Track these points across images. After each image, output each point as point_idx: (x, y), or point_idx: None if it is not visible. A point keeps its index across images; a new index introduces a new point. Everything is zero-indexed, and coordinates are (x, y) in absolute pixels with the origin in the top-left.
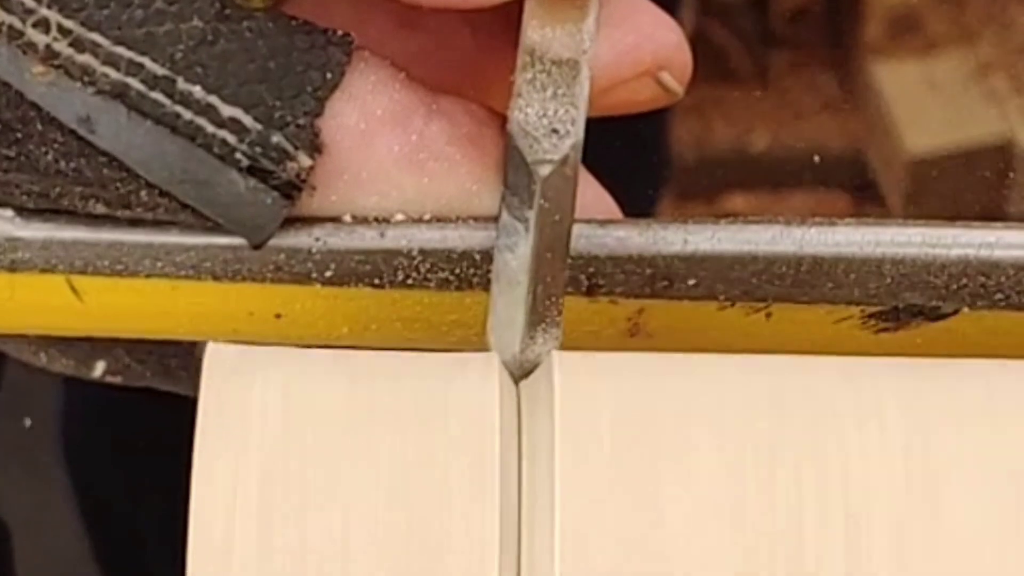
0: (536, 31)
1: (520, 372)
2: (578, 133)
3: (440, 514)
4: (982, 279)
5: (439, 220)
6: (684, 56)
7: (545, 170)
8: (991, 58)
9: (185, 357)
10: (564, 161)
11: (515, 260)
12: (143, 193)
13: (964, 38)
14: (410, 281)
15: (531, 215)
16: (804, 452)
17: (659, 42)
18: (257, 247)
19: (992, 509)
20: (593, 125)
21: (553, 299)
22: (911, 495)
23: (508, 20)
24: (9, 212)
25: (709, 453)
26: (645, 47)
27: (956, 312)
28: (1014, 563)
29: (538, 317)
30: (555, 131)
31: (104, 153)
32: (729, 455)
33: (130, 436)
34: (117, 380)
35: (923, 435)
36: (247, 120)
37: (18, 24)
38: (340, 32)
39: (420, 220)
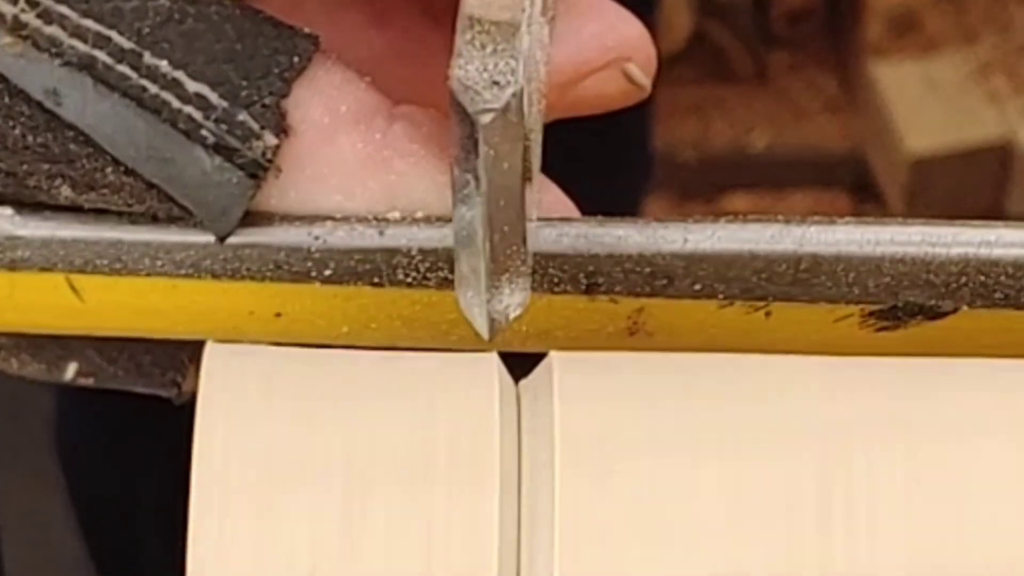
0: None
1: (492, 328)
2: (518, 83)
3: (439, 513)
4: (981, 278)
5: (439, 219)
6: (648, 48)
7: (487, 118)
8: (991, 58)
9: (158, 354)
10: (506, 108)
11: (470, 212)
12: (109, 171)
13: (964, 38)
14: (410, 280)
15: (479, 164)
16: (805, 451)
17: (622, 32)
18: (222, 239)
19: (993, 506)
20: (572, 125)
21: (514, 248)
22: (912, 493)
23: None
24: (9, 210)
25: (709, 453)
26: (608, 35)
27: (955, 311)
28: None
29: (500, 267)
30: (496, 83)
31: (71, 127)
32: (729, 455)
33: (126, 436)
34: (89, 382)
35: (923, 433)
36: (213, 97)
37: None
38: (307, 29)
39: (420, 219)
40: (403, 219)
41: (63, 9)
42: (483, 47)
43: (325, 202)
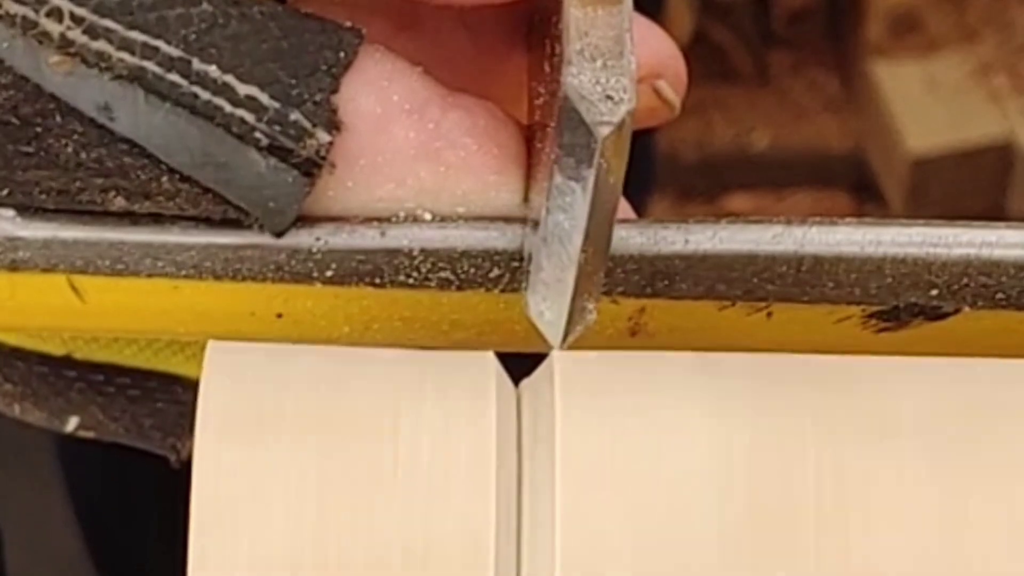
0: (578, 9)
1: (565, 337)
2: (631, 101)
3: (435, 513)
4: (983, 279)
5: (441, 219)
6: (678, 65)
7: (605, 130)
8: (991, 58)
9: (160, 418)
10: (621, 126)
11: (569, 221)
12: (164, 179)
13: (964, 38)
14: (411, 281)
15: (589, 174)
16: (805, 451)
17: (653, 49)
18: (279, 235)
19: (993, 506)
20: None
21: (598, 267)
22: (912, 493)
23: (506, 22)
24: (10, 212)
25: (709, 453)
26: (641, 52)
27: (957, 311)
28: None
29: (586, 281)
30: (609, 97)
31: (124, 140)
32: (729, 454)
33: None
34: (90, 435)
35: (923, 433)
36: (264, 98)
37: (31, 15)
38: (349, 24)
39: (421, 219)
40: (404, 220)
41: (109, 23)
42: (593, 59)
43: (380, 190)
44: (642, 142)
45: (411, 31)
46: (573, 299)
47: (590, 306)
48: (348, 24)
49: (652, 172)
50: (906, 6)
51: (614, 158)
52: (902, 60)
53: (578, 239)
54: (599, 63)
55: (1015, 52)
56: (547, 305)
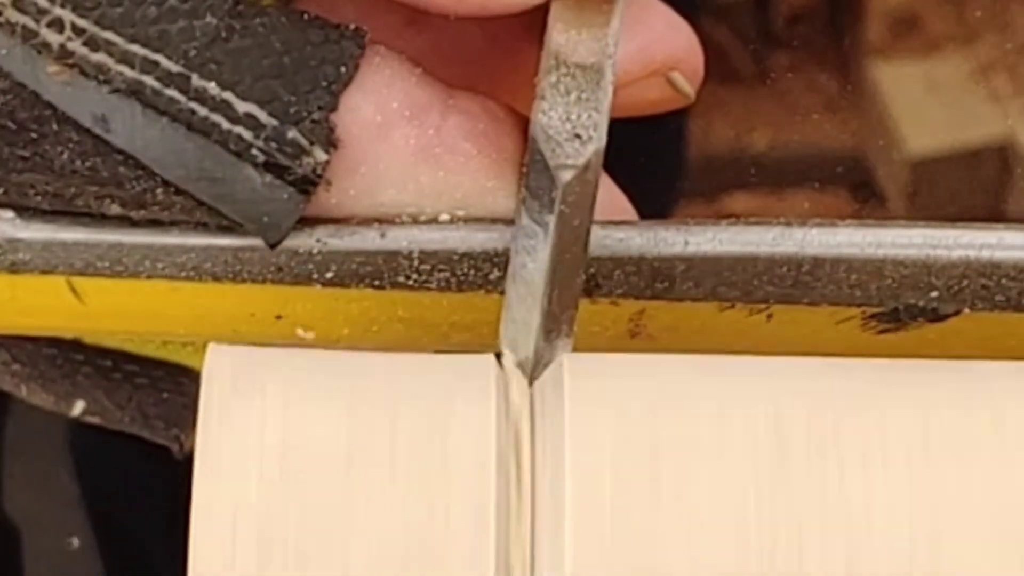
0: (561, 34)
1: (533, 375)
2: (600, 139)
3: (437, 514)
4: (983, 280)
5: (440, 221)
6: (695, 57)
7: (567, 175)
8: (991, 58)
9: (164, 408)
10: (586, 167)
11: (532, 263)
12: (159, 191)
13: (964, 38)
14: (411, 283)
15: (551, 219)
16: (808, 453)
17: (670, 42)
18: (273, 246)
19: (993, 508)
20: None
21: (568, 305)
22: (912, 496)
23: (518, 17)
24: (9, 213)
25: (720, 455)
26: (656, 47)
27: (957, 313)
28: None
29: (553, 322)
30: (578, 136)
31: (120, 151)
32: (739, 457)
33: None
34: (95, 421)
35: (924, 436)
36: (262, 116)
37: (32, 24)
38: (353, 26)
39: (421, 221)
40: (404, 222)
41: (109, 35)
42: (567, 93)
43: (381, 196)
44: (672, 132)
45: (419, 25)
46: (540, 339)
47: (561, 343)
48: (351, 27)
49: (683, 159)
50: (906, 6)
51: (578, 201)
52: (902, 60)
53: (541, 282)
54: (573, 96)
55: (1015, 52)
56: (519, 346)
